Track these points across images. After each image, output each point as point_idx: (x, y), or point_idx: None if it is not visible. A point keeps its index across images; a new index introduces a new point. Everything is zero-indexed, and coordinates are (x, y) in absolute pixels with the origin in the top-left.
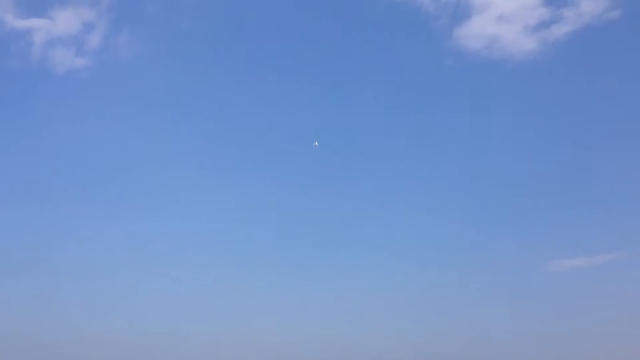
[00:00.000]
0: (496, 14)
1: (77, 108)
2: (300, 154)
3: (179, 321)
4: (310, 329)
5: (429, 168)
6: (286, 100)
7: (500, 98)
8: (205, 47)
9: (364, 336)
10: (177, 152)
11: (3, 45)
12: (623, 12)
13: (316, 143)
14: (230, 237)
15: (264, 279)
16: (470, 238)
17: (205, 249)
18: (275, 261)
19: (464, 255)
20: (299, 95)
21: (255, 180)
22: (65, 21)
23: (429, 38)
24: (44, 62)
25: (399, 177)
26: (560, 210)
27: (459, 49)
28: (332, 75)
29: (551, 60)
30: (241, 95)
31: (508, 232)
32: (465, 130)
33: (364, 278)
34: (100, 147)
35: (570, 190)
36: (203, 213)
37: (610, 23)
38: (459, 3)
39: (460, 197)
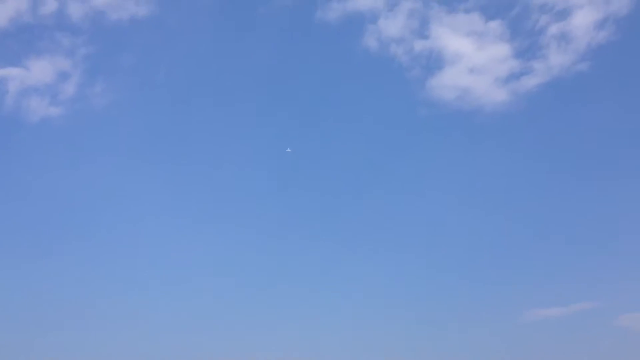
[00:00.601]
0: (468, 65)
1: (50, 157)
2: (279, 200)
3: None
4: None
5: (404, 216)
6: (261, 147)
7: (473, 147)
8: (180, 97)
9: None
10: (152, 201)
11: None
12: (591, 64)
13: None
14: (215, 288)
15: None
16: (443, 288)
17: (187, 299)
18: (261, 312)
19: (437, 305)
20: (274, 143)
21: (235, 229)
22: (40, 70)
23: (403, 88)
24: (18, 111)
25: (374, 223)
26: (534, 260)
27: (432, 99)
28: (307, 125)
29: (522, 111)
30: (218, 145)
31: (481, 282)
32: (440, 179)
33: (333, 325)
34: (73, 197)
35: (543, 239)
36: (182, 264)
37: (579, 75)
38: (432, 55)
39: (434, 247)
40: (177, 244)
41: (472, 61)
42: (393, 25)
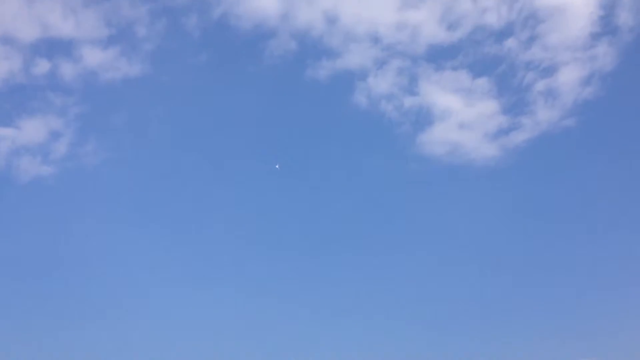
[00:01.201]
0: (457, 121)
1: (41, 216)
2: (270, 261)
3: None
4: None
5: (396, 272)
6: (252, 205)
7: (465, 201)
8: (172, 155)
9: None
10: (145, 260)
11: None
12: (578, 119)
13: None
14: (209, 350)
15: None
16: (436, 345)
17: None
18: None
19: None
20: (265, 200)
21: (230, 292)
22: (32, 130)
23: (394, 143)
24: (9, 171)
25: (365, 281)
26: (528, 315)
27: (423, 154)
28: (300, 182)
29: (512, 166)
30: (210, 203)
31: (475, 339)
32: (432, 233)
33: None
34: (64, 256)
35: (532, 297)
36: (177, 328)
37: (567, 130)
38: (421, 111)
39: (427, 303)
40: (169, 303)
41: (461, 117)
42: (382, 83)
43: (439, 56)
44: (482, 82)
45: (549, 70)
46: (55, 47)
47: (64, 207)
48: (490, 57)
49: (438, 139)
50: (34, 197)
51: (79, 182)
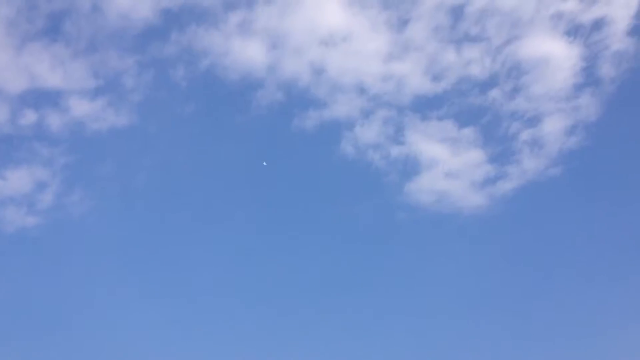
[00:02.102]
0: (444, 170)
1: (25, 267)
2: (257, 312)
3: None
4: None
5: (386, 323)
6: (239, 256)
7: (453, 250)
8: (159, 205)
9: None
10: (132, 311)
11: None
12: (564, 168)
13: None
14: None
15: None
16: None
17: None
18: None
19: None
20: (252, 251)
21: (221, 345)
22: (18, 180)
23: (381, 192)
24: None
25: (356, 334)
26: None
27: (410, 203)
28: (286, 232)
29: (499, 214)
30: (197, 255)
31: None
32: (421, 282)
33: None
34: (51, 307)
35: (522, 345)
36: None
37: (553, 179)
38: (408, 160)
39: (418, 353)
40: (157, 356)
41: (448, 166)
42: (369, 132)
43: (425, 106)
44: (468, 131)
45: (534, 120)
46: (42, 98)
47: (48, 258)
48: (476, 108)
49: (425, 187)
50: (18, 248)
51: (65, 233)
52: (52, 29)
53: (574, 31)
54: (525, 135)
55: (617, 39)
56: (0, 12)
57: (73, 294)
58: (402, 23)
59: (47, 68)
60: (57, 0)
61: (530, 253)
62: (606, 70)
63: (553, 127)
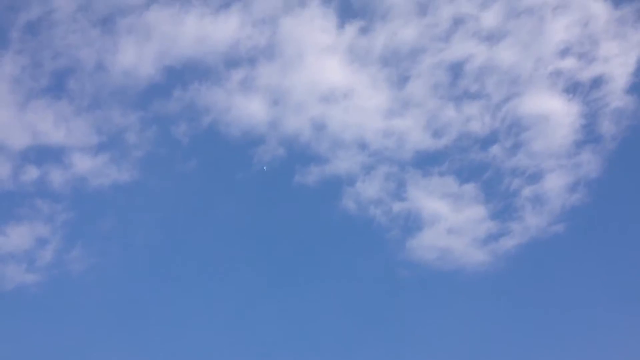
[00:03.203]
0: (446, 226)
1: (25, 325)
2: None
3: None
4: None
5: None
6: (241, 310)
7: (456, 307)
8: (159, 262)
9: None
10: None
11: None
12: (566, 225)
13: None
14: None
15: None
16: None
17: None
18: None
19: None
20: (254, 305)
21: None
22: (18, 237)
23: (383, 249)
24: None
25: None
26: None
27: (413, 259)
28: (289, 288)
29: (502, 271)
30: (199, 312)
31: None
32: (424, 340)
33: None
34: None
35: None
36: None
37: (556, 236)
38: (410, 216)
39: None
40: None
41: (450, 222)
42: (371, 188)
43: (426, 162)
44: (469, 187)
45: (535, 177)
46: (45, 154)
47: (48, 315)
48: (476, 164)
49: (427, 244)
50: (17, 306)
51: (64, 290)
52: (56, 86)
53: (573, 89)
54: (527, 191)
55: (616, 97)
56: (5, 70)
57: (73, 352)
58: (402, 80)
59: (50, 125)
60: (61, 58)
61: (534, 310)
62: (606, 127)
63: (555, 184)
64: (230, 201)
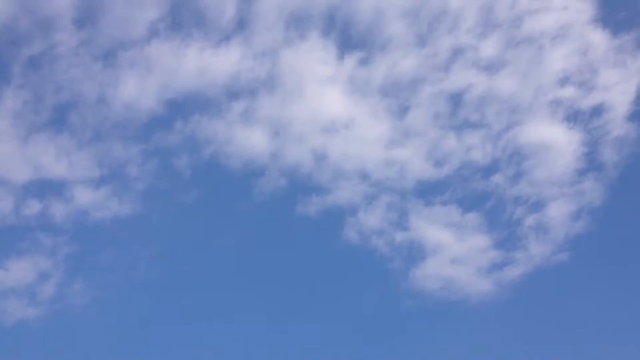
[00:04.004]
0: (449, 256)
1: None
2: None
3: None
4: None
5: None
6: (242, 344)
7: (461, 337)
8: (161, 294)
9: None
10: None
11: None
12: (570, 254)
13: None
14: None
15: None
16: None
17: None
18: None
19: None
20: (256, 338)
21: None
22: (20, 271)
23: (386, 279)
24: None
25: None
26: None
27: (416, 289)
28: (291, 319)
29: (508, 300)
30: (200, 348)
31: None
32: None
33: None
34: None
35: None
36: None
37: (560, 264)
38: (413, 246)
39: None
40: None
41: (454, 252)
42: (373, 218)
43: (428, 192)
44: (472, 217)
45: (538, 205)
46: (46, 188)
47: (49, 350)
48: (479, 193)
49: (431, 274)
50: (18, 341)
51: (65, 324)
52: (58, 120)
53: (574, 117)
54: (530, 220)
55: (617, 125)
56: (7, 105)
57: None
58: (403, 110)
59: (51, 158)
60: (63, 92)
61: (541, 340)
62: (608, 155)
63: (558, 212)
64: (232, 232)
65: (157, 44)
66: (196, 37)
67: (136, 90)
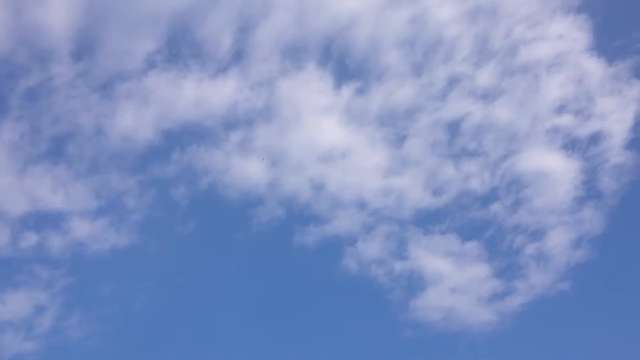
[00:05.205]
0: (449, 285)
1: None
2: None
3: None
4: None
5: None
6: None
7: None
8: (159, 327)
9: None
10: None
11: None
12: (572, 283)
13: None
14: None
15: None
16: None
17: None
18: None
19: None
20: None
21: None
22: (17, 304)
23: (386, 309)
24: None
25: None
26: None
27: (417, 320)
28: (289, 350)
29: (509, 330)
30: None
31: None
32: None
33: None
34: None
35: None
36: None
37: (561, 294)
38: (412, 275)
39: None
40: None
41: (454, 281)
42: (372, 247)
43: (427, 220)
44: (472, 245)
45: (538, 234)
46: (43, 220)
47: None
48: (478, 221)
49: (431, 304)
50: None
51: (63, 358)
52: (55, 152)
53: (571, 145)
54: (530, 249)
55: (615, 153)
56: (4, 136)
57: None
58: (400, 139)
59: (49, 190)
60: (60, 123)
61: None
62: (607, 183)
63: (558, 241)
64: (230, 263)
65: (154, 75)
66: (193, 68)
67: (133, 121)
